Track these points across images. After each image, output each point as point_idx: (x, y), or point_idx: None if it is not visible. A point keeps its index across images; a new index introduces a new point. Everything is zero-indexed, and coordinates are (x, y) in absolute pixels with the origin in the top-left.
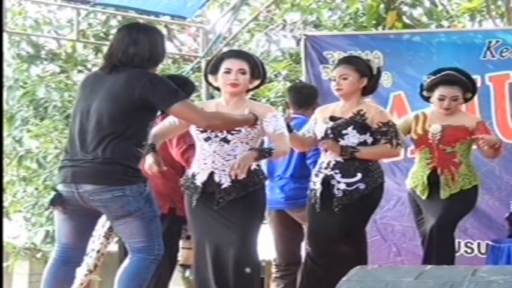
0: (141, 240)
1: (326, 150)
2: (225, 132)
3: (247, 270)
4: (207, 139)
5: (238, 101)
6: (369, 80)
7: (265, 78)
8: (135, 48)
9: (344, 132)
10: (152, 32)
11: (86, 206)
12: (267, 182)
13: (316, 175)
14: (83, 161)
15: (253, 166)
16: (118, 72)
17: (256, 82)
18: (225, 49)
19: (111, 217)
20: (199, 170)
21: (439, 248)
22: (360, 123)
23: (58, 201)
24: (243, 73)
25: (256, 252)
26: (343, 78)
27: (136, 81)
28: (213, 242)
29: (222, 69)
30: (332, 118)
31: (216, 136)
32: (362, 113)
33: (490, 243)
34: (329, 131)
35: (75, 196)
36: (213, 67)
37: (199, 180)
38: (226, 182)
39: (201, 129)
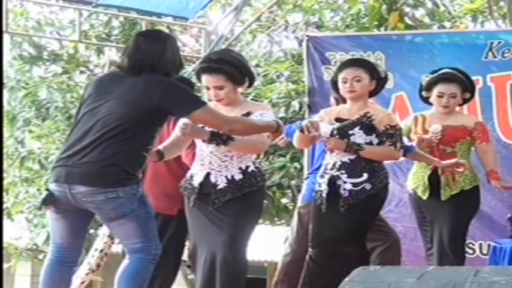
0: (138, 241)
1: (332, 151)
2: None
3: (233, 270)
4: (204, 140)
5: (235, 101)
6: (377, 83)
7: (253, 78)
8: (172, 55)
9: (350, 132)
10: (175, 40)
11: (78, 206)
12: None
13: (322, 176)
14: (78, 162)
15: (251, 168)
16: (139, 75)
17: (244, 86)
18: None
19: (105, 219)
20: (197, 171)
21: (452, 258)
22: (366, 124)
23: (50, 200)
24: (221, 88)
25: (244, 253)
26: (356, 80)
27: (156, 88)
28: (206, 242)
29: (203, 84)
30: (338, 120)
31: None
32: (369, 115)
33: (492, 244)
34: (335, 132)
35: (68, 196)
36: (197, 78)
37: (197, 181)
38: (222, 183)
39: None
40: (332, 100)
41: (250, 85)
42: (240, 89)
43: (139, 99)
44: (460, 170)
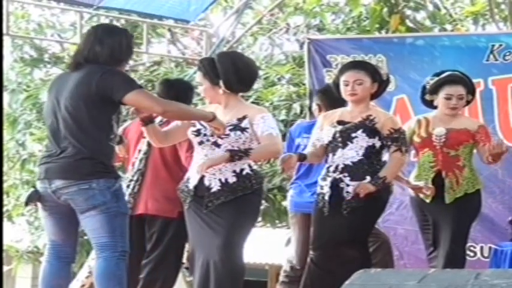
0: (103, 235)
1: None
2: (215, 136)
3: (229, 273)
4: (200, 143)
5: (229, 103)
6: (379, 86)
7: (229, 81)
8: (100, 47)
9: (353, 135)
10: (118, 32)
11: (61, 203)
12: (292, 186)
13: (324, 179)
14: (56, 158)
15: (247, 171)
16: (81, 69)
17: (220, 87)
18: None
19: (78, 211)
20: (193, 173)
21: (453, 260)
22: (369, 128)
23: (34, 197)
24: (200, 85)
25: (241, 255)
26: (358, 83)
27: (92, 76)
28: (202, 245)
29: None
30: (340, 122)
31: (208, 140)
32: (371, 118)
33: (493, 246)
34: (337, 135)
35: (49, 192)
36: None
37: (192, 184)
38: (215, 186)
39: (195, 133)
40: (314, 107)
41: (227, 88)
42: (219, 90)
43: (80, 90)
44: (428, 193)
